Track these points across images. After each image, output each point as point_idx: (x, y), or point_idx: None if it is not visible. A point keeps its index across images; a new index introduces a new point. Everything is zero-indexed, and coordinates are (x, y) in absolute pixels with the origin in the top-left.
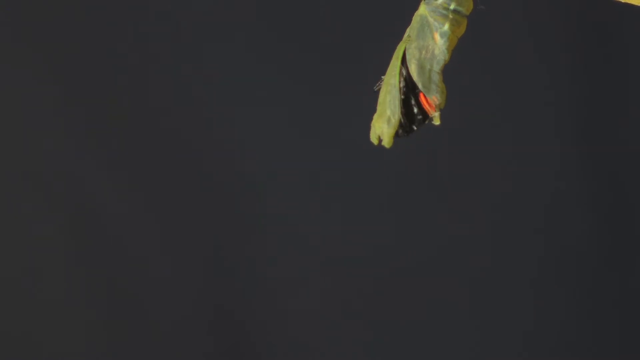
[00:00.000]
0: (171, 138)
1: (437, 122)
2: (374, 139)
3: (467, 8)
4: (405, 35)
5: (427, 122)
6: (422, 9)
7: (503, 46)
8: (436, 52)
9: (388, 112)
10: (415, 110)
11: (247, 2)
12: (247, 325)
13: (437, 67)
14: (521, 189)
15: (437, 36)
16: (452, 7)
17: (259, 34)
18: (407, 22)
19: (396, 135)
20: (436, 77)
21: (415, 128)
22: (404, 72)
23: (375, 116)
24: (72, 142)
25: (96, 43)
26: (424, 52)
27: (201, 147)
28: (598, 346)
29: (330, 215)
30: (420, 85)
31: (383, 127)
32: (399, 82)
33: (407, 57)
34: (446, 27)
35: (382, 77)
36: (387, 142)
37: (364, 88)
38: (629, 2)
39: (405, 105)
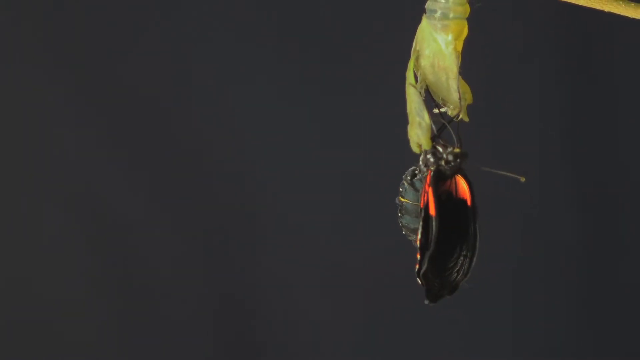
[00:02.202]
0: (179, 138)
1: (466, 119)
2: (415, 148)
3: (465, 11)
4: (413, 50)
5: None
6: (425, 23)
7: (490, 51)
8: (447, 62)
9: (417, 119)
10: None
11: (250, 3)
12: (253, 317)
13: (452, 75)
14: (506, 190)
15: (444, 47)
16: (451, 16)
17: (263, 34)
18: (407, 26)
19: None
20: (454, 84)
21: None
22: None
23: (409, 127)
24: (88, 146)
25: (110, 46)
26: (435, 66)
27: (207, 146)
28: (582, 344)
29: (335, 211)
30: (440, 100)
31: (418, 132)
32: (415, 87)
33: (422, 73)
34: (450, 36)
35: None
36: (426, 145)
37: (369, 89)
38: (613, 11)
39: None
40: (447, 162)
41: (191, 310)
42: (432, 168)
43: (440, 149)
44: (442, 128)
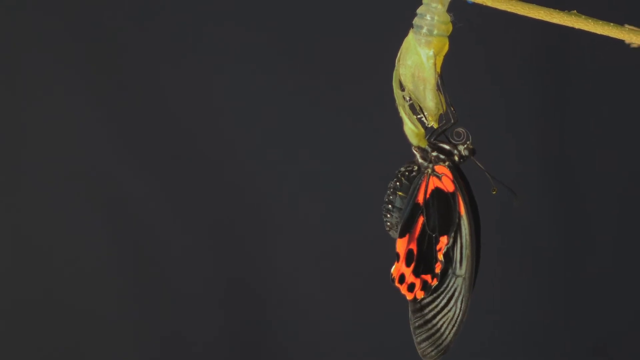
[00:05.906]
0: (189, 135)
1: (435, 125)
2: (413, 141)
3: (448, 30)
4: (397, 59)
5: None
6: (411, 37)
7: (471, 59)
8: (426, 74)
9: (410, 125)
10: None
11: (252, 5)
12: (260, 297)
13: (429, 86)
14: (481, 191)
15: (424, 60)
16: (435, 33)
17: (265, 40)
18: (404, 31)
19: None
20: (430, 94)
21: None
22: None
23: (404, 126)
24: (109, 146)
25: (126, 49)
26: (415, 76)
27: (213, 144)
28: (552, 342)
29: (341, 197)
30: (418, 107)
31: (413, 139)
32: (401, 99)
33: (403, 81)
34: (431, 52)
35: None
36: (423, 144)
37: (367, 91)
38: (583, 28)
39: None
40: (458, 156)
41: (200, 293)
42: (442, 164)
43: (430, 149)
44: (435, 132)
